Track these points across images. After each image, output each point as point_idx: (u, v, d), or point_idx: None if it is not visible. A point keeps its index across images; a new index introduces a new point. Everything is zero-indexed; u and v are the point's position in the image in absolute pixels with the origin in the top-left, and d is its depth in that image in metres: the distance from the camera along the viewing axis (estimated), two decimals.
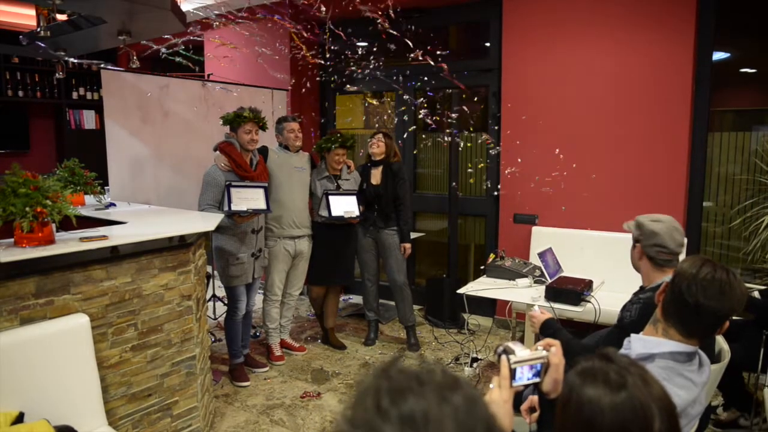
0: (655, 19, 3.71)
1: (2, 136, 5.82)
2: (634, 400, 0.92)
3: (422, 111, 4.36)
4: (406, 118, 4.98)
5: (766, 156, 3.64)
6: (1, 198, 2.03)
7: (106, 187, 3.66)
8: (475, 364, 3.69)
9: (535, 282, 3.17)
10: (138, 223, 2.79)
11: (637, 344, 1.47)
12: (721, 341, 2.13)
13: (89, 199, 3.49)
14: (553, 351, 1.25)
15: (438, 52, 4.05)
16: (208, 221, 2.84)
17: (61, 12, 3.22)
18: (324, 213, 3.76)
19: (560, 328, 2.13)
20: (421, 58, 4.03)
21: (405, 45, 4.05)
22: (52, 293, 2.10)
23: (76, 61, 4.60)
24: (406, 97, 4.69)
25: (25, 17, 5.25)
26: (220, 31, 5.21)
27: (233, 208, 3.27)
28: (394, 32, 3.93)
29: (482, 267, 3.48)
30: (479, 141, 4.70)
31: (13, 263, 1.94)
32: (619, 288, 3.24)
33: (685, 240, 2.25)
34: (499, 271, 3.31)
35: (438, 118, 4.43)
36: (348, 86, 4.71)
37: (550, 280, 3.02)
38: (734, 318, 2.87)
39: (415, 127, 4.99)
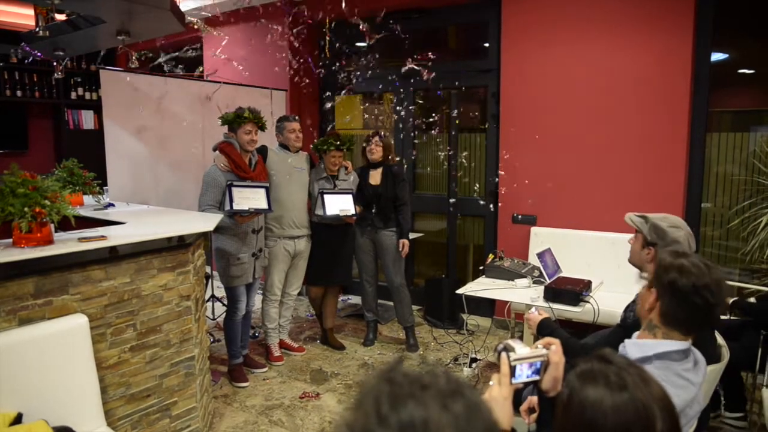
0: (654, 20, 3.72)
1: (0, 136, 5.82)
2: (636, 400, 0.92)
3: (421, 111, 4.36)
4: (404, 114, 4.97)
5: (765, 156, 3.64)
6: None
7: (104, 188, 3.65)
8: (474, 365, 3.69)
9: (534, 282, 3.17)
10: (137, 223, 2.78)
11: (632, 349, 1.47)
12: (720, 341, 2.13)
13: (88, 199, 3.48)
14: (553, 349, 1.25)
15: (429, 55, 4.03)
16: (207, 221, 2.83)
17: (60, 12, 3.22)
18: (319, 212, 3.75)
19: (557, 327, 2.13)
20: (409, 65, 4.02)
21: (396, 48, 4.03)
22: (51, 294, 2.09)
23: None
24: (404, 97, 4.69)
25: (25, 17, 5.24)
26: (220, 29, 5.20)
27: (235, 207, 3.26)
28: (377, 35, 3.90)
29: (481, 267, 3.48)
30: (478, 141, 4.69)
31: (11, 263, 1.94)
32: (618, 288, 3.25)
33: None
34: (498, 271, 3.31)
35: (437, 119, 4.42)
36: (347, 87, 4.70)
37: (548, 281, 3.02)
38: (733, 318, 2.90)
39: (414, 127, 4.98)
